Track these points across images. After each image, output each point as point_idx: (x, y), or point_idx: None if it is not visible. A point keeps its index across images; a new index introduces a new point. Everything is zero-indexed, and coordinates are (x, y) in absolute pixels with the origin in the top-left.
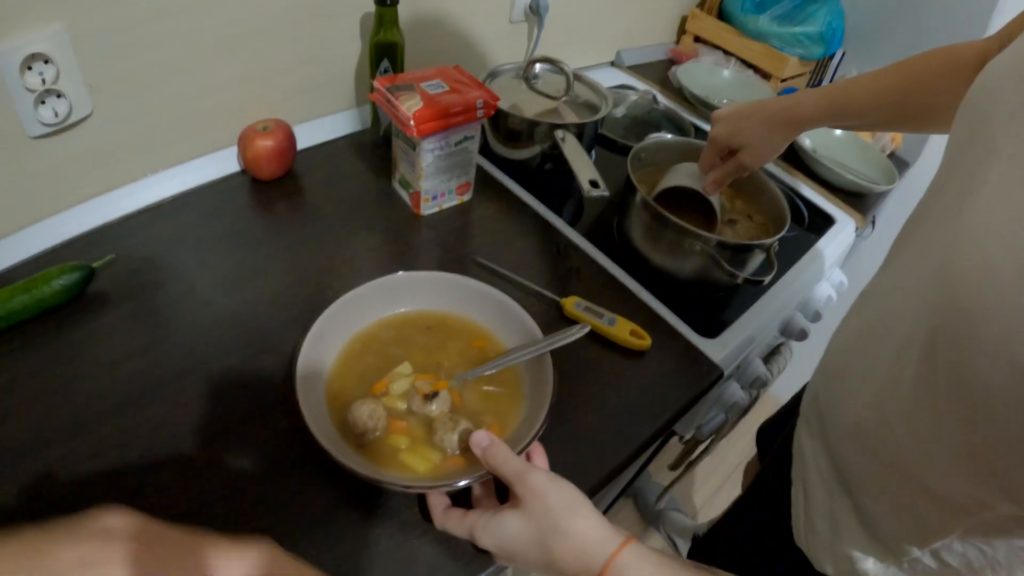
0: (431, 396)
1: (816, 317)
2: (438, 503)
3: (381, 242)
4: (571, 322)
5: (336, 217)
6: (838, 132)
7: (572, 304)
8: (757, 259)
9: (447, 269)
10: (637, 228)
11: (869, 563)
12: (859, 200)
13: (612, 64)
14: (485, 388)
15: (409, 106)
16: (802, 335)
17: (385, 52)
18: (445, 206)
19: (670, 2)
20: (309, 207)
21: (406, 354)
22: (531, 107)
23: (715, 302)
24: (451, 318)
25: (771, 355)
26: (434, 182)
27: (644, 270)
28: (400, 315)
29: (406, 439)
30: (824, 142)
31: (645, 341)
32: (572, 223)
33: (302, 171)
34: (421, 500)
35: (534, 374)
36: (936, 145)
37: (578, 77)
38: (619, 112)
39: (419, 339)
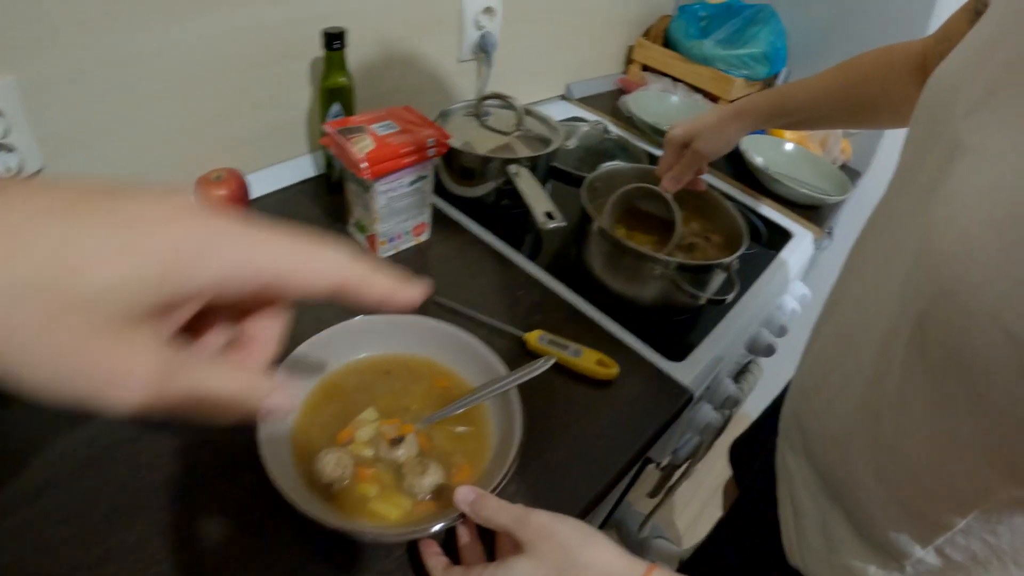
0: (397, 441)
1: (782, 332)
2: (436, 563)
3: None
4: (536, 356)
5: None
6: (788, 147)
7: (536, 338)
8: (718, 279)
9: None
10: (596, 257)
11: (871, 570)
12: (815, 212)
13: (563, 97)
14: (453, 429)
15: (360, 148)
16: (769, 350)
17: (335, 96)
18: (402, 247)
19: (616, 33)
20: None
21: (370, 400)
22: (484, 144)
23: (680, 325)
24: (414, 360)
25: (740, 373)
26: (390, 224)
27: (606, 298)
28: (362, 360)
29: (375, 486)
30: (775, 159)
31: (612, 369)
32: (532, 257)
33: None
34: (398, 549)
35: (501, 411)
36: (885, 154)
37: (529, 112)
38: (571, 144)
39: (382, 384)
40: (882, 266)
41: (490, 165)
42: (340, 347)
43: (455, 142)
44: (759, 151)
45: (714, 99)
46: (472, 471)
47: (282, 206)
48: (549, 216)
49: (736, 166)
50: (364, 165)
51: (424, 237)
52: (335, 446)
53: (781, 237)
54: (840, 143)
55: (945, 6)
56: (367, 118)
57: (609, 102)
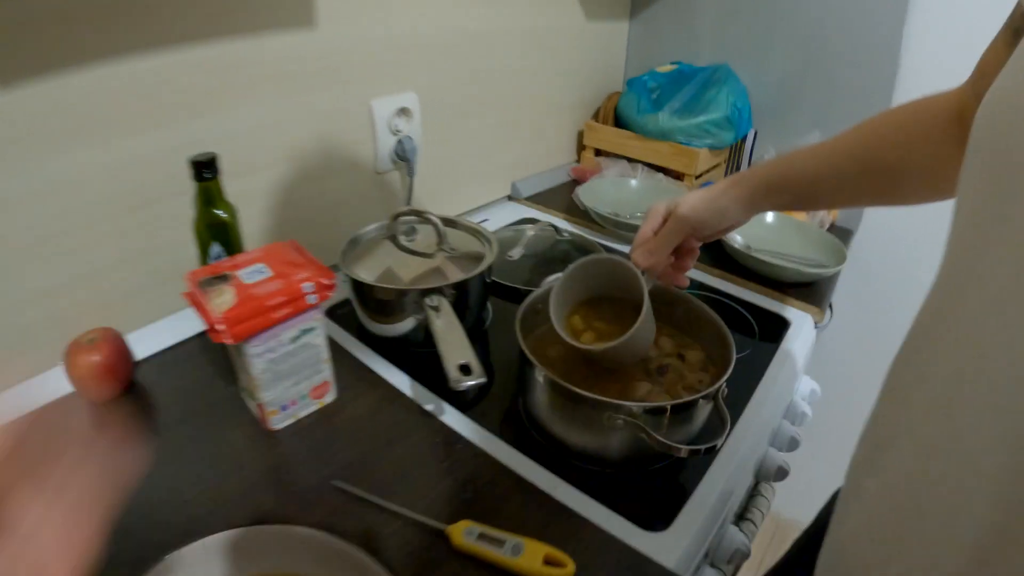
0: None
1: (793, 445)
2: None
3: (229, 470)
4: (461, 557)
5: (184, 439)
6: (769, 218)
7: (461, 533)
8: (702, 413)
9: (299, 499)
10: (542, 407)
11: None
12: (810, 289)
13: (509, 198)
14: None
15: (217, 305)
16: (781, 474)
17: (214, 234)
18: (301, 415)
19: (562, 120)
20: (152, 431)
21: None
22: (408, 270)
23: (659, 476)
24: None
25: (746, 507)
26: (277, 391)
27: (560, 456)
28: None
29: None
30: (756, 234)
31: (567, 568)
32: (466, 408)
33: (147, 384)
34: None
35: None
36: (875, 210)
37: (454, 224)
38: (516, 254)
39: None
40: (969, 390)
41: (406, 298)
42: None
43: (371, 273)
44: (739, 229)
45: (678, 176)
46: None
47: (170, 368)
48: (464, 370)
49: (713, 250)
50: (222, 327)
51: (329, 399)
52: None
53: (776, 327)
54: None
55: (914, 44)
56: (239, 261)
57: (563, 196)
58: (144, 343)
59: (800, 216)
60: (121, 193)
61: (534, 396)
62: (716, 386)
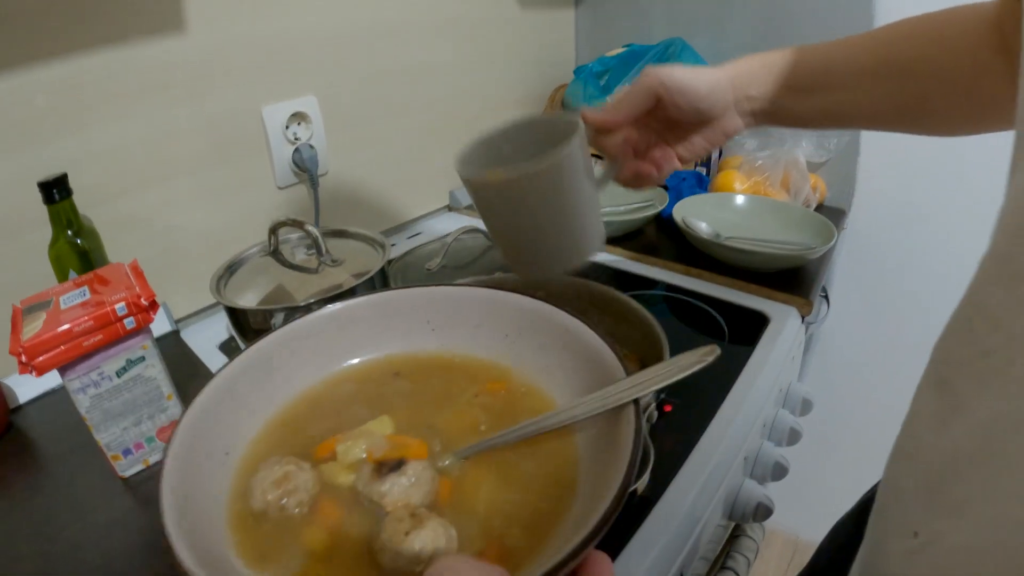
0: (388, 468)
1: (780, 473)
2: None
3: (67, 523)
4: None
5: (36, 486)
6: (740, 200)
7: None
8: None
9: (127, 560)
10: None
11: None
12: (795, 277)
13: (449, 208)
14: (507, 470)
15: (24, 335)
16: (765, 512)
17: (71, 262)
18: (152, 459)
19: (506, 116)
20: (21, 479)
21: (379, 412)
22: (301, 288)
23: None
24: (443, 358)
25: (728, 551)
26: (112, 432)
27: None
28: (354, 367)
29: (323, 536)
30: (726, 220)
31: None
32: None
33: (26, 427)
34: None
35: (597, 448)
36: (870, 182)
37: (343, 234)
38: (434, 265)
39: (391, 391)
40: None
41: (274, 321)
42: (321, 349)
43: (255, 295)
44: (700, 214)
45: None
46: (529, 549)
47: (52, 410)
48: None
49: (676, 243)
50: (23, 359)
51: None
52: (292, 457)
53: (752, 326)
54: (809, 179)
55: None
56: (66, 287)
57: None
58: (25, 386)
59: (777, 195)
60: None
61: None
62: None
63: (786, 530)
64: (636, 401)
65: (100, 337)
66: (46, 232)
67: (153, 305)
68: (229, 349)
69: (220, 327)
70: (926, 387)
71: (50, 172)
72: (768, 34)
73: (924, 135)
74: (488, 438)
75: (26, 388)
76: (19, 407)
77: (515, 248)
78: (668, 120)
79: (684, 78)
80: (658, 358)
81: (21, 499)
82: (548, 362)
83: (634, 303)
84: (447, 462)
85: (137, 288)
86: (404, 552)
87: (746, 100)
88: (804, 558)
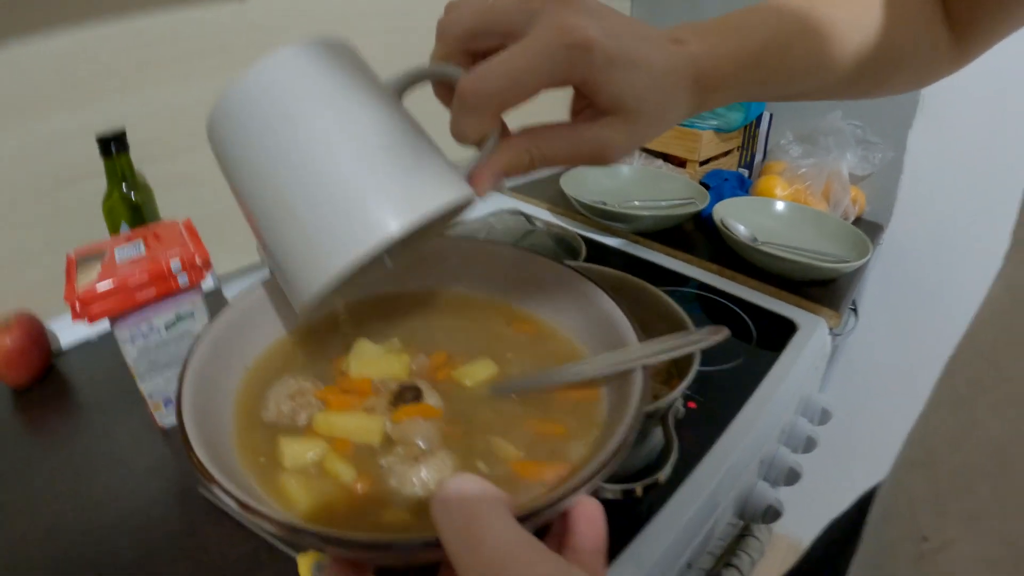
0: (405, 395)
1: (792, 478)
2: None
3: (105, 468)
4: None
5: (77, 432)
6: (780, 207)
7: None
8: (655, 437)
9: (163, 505)
10: None
11: None
12: (827, 289)
13: None
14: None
15: (79, 284)
16: (773, 514)
17: (123, 214)
18: None
19: (555, 103)
20: (63, 421)
21: (395, 333)
22: None
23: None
24: (471, 296)
25: (735, 549)
26: (157, 382)
27: None
28: (378, 294)
29: (321, 444)
30: (764, 225)
31: None
32: None
33: (68, 372)
34: None
35: (612, 403)
36: (910, 197)
37: None
38: None
39: (417, 317)
40: None
41: None
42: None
43: None
44: (740, 217)
45: (680, 163)
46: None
47: (90, 358)
48: None
49: (712, 243)
50: (78, 306)
51: None
52: (309, 373)
53: (780, 332)
54: (850, 191)
55: None
56: (120, 239)
57: (551, 186)
58: (69, 331)
59: (818, 204)
60: (39, 175)
61: None
62: (664, 402)
63: (790, 535)
64: (645, 367)
65: (153, 292)
66: (99, 184)
67: (206, 264)
68: None
69: None
70: (942, 402)
71: (109, 127)
72: None
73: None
74: (527, 379)
75: (68, 333)
76: (60, 352)
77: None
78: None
79: (611, 24)
80: (689, 358)
81: (61, 442)
82: (571, 319)
83: (671, 301)
84: (494, 389)
85: (191, 247)
86: (409, 475)
87: (707, 98)
88: None
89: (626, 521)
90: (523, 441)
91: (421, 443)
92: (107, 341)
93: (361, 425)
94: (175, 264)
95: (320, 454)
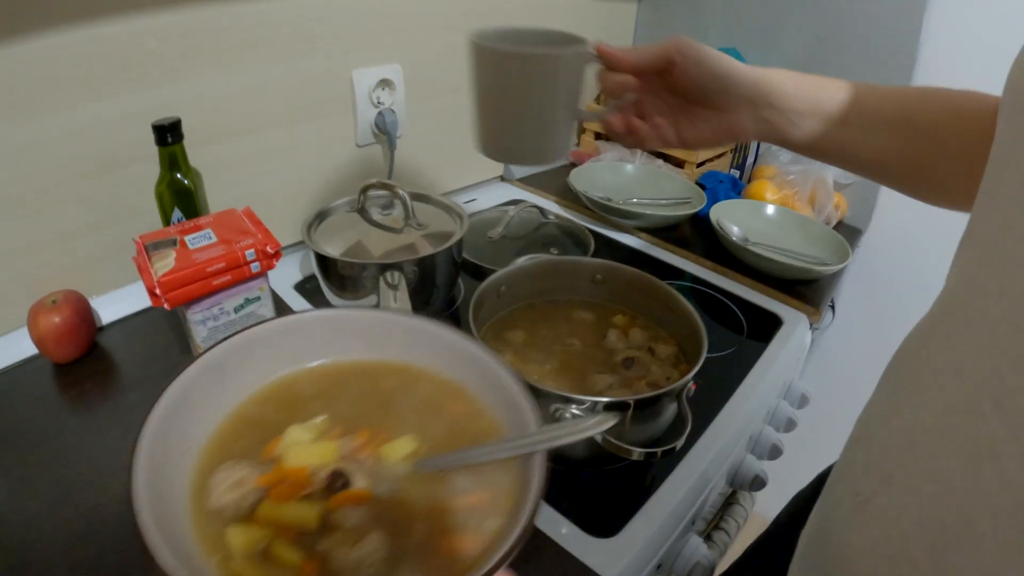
0: (334, 484)
1: (775, 453)
2: None
3: None
4: None
5: (126, 408)
6: (770, 210)
7: None
8: (667, 412)
9: None
10: None
11: None
12: (808, 287)
13: (502, 178)
14: (451, 489)
15: (158, 269)
16: (758, 483)
17: (176, 201)
18: None
19: None
20: (106, 396)
21: (329, 408)
22: (379, 245)
23: (617, 476)
24: (410, 369)
25: (719, 518)
26: None
27: None
28: (327, 365)
29: (267, 532)
30: (755, 226)
31: None
32: None
33: (110, 348)
34: None
35: (517, 479)
36: (888, 205)
37: (426, 199)
38: (495, 235)
39: (355, 389)
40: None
41: (366, 273)
42: (295, 347)
43: (331, 248)
44: (734, 219)
45: (679, 164)
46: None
47: (132, 334)
48: None
49: (707, 241)
50: (158, 292)
51: None
52: (246, 460)
53: (767, 326)
54: (833, 197)
55: (933, 38)
56: (187, 227)
57: (558, 180)
58: (110, 308)
59: (803, 209)
60: (88, 157)
61: None
62: (680, 383)
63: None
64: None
65: (228, 278)
66: (145, 168)
67: (277, 253)
68: (305, 290)
69: (294, 268)
70: (880, 392)
71: (155, 112)
72: (818, 55)
73: (916, 198)
74: (451, 453)
75: (109, 310)
76: (102, 327)
77: (493, 126)
78: (678, 90)
79: (705, 52)
80: (697, 346)
81: (105, 417)
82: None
83: (682, 297)
84: (415, 466)
85: (260, 235)
86: (350, 559)
87: (766, 107)
88: None
89: (641, 484)
90: (445, 514)
91: (353, 527)
92: (147, 317)
93: (301, 514)
94: (249, 253)
95: (266, 541)
